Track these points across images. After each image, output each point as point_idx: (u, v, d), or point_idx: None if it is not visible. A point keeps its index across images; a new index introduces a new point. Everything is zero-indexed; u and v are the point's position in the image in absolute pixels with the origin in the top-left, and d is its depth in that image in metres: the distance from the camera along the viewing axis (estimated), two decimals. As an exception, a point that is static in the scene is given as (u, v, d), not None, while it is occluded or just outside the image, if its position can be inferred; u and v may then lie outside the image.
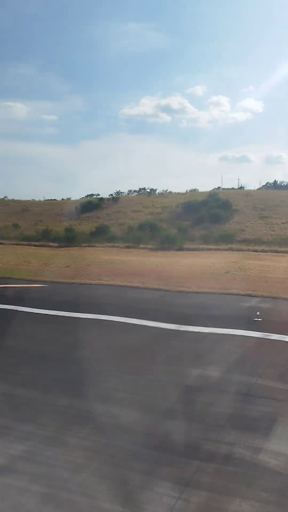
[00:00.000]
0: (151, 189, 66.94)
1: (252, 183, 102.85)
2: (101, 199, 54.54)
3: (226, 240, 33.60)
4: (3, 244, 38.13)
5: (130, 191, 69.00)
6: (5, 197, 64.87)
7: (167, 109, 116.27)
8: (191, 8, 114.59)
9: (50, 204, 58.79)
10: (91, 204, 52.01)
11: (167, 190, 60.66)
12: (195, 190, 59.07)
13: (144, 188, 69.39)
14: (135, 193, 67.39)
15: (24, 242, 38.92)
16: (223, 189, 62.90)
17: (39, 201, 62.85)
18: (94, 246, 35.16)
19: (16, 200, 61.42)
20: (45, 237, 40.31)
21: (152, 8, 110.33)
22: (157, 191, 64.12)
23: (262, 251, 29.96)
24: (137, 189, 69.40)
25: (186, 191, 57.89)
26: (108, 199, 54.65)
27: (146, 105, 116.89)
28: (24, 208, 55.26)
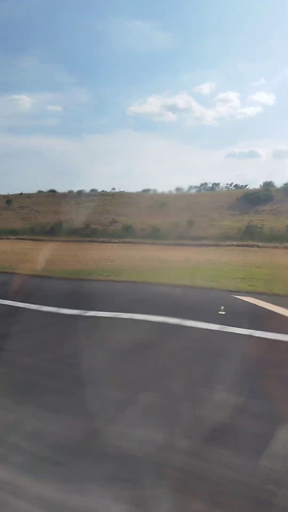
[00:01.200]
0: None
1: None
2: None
3: None
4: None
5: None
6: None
7: (173, 108, 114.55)
8: (197, 2, 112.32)
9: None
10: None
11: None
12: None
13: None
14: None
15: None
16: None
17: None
18: None
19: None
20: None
21: (158, 5, 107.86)
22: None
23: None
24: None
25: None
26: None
27: (152, 103, 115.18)
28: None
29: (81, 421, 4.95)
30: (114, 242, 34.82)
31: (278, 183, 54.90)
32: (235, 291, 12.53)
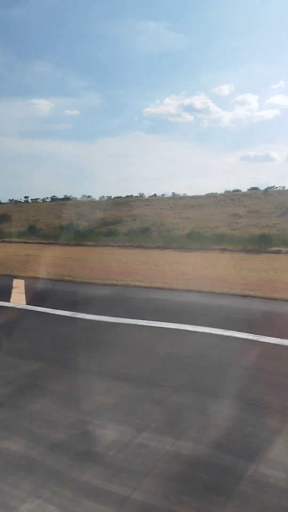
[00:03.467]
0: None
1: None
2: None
3: None
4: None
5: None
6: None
7: (190, 109, 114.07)
8: (217, 4, 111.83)
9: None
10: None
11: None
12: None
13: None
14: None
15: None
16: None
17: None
18: None
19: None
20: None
21: (173, 6, 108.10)
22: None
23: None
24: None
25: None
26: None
27: (170, 104, 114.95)
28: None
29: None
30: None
31: None
32: None
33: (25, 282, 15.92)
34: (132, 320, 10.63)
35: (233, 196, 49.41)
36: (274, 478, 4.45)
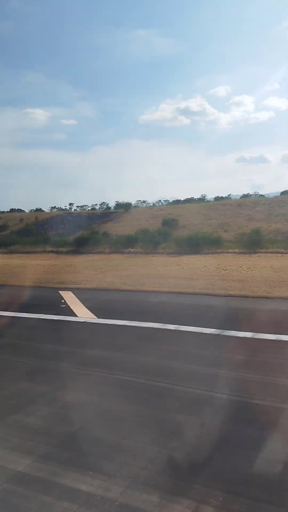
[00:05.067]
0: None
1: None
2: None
3: None
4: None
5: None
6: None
7: (186, 112, 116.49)
8: (208, 8, 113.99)
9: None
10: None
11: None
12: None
13: None
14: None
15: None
16: None
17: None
18: None
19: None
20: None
21: (165, 13, 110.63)
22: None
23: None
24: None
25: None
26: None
27: (165, 110, 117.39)
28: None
29: None
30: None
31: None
32: None
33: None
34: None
35: None
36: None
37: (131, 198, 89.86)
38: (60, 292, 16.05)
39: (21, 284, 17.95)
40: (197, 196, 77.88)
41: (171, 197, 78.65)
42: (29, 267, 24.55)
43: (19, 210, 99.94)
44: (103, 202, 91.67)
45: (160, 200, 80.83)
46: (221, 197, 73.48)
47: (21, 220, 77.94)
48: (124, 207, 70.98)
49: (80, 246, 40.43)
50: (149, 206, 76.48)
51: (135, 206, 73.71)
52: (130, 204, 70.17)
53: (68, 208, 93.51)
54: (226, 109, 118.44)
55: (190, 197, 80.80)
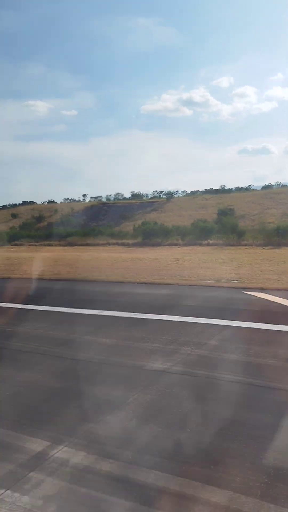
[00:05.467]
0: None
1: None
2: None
3: None
4: None
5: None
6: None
7: (188, 103, 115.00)
8: None
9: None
10: None
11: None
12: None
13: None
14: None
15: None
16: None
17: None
18: None
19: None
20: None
21: (172, 1, 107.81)
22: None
23: None
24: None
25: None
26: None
27: (167, 100, 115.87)
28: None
29: None
30: None
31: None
32: None
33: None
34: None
35: None
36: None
37: (144, 189, 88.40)
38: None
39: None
40: (215, 187, 75.22)
41: (173, 188, 79.64)
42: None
43: (32, 202, 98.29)
44: (118, 193, 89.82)
45: (178, 191, 78.95)
46: (268, 185, 70.43)
47: (55, 211, 75.70)
48: (166, 196, 68.26)
49: (147, 238, 38.10)
50: (189, 195, 73.59)
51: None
52: (172, 193, 67.47)
53: (81, 200, 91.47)
54: (229, 100, 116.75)
55: (208, 188, 78.47)
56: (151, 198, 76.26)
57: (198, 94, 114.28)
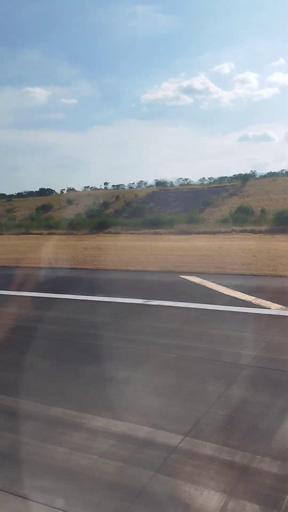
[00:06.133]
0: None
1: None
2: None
3: None
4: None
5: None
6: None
7: (189, 91, 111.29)
8: None
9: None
10: None
11: None
12: None
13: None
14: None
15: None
16: None
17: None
18: None
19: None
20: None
21: None
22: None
23: None
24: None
25: None
26: None
27: (167, 88, 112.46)
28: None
29: None
30: None
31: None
32: None
33: None
34: None
35: None
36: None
37: (163, 176, 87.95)
38: None
39: None
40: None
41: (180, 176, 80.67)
42: None
43: (49, 190, 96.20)
44: (141, 181, 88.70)
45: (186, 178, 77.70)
46: None
47: (117, 197, 72.04)
48: (242, 179, 64.02)
49: (280, 224, 34.21)
50: (267, 177, 69.24)
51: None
52: (248, 176, 63.20)
53: (102, 188, 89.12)
54: (230, 87, 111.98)
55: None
56: (219, 183, 72.33)
57: (199, 81, 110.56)
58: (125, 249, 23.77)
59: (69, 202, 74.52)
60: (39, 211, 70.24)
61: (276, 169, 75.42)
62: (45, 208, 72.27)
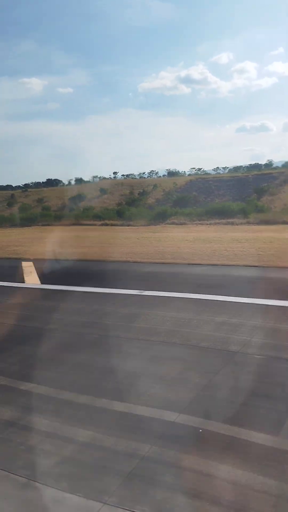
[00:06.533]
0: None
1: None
2: None
3: None
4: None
5: None
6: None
7: (187, 80, 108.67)
8: None
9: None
10: None
11: None
12: None
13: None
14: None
15: None
16: None
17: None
18: None
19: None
20: None
21: None
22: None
23: None
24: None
25: None
26: None
27: (165, 77, 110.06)
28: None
29: None
30: None
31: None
32: None
33: None
34: None
35: None
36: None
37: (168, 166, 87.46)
38: None
39: None
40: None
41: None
42: None
43: (56, 181, 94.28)
44: (152, 170, 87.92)
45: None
46: None
47: (154, 186, 69.20)
48: (257, 168, 61.15)
49: None
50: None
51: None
52: (269, 164, 60.38)
53: (112, 177, 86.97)
54: (228, 77, 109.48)
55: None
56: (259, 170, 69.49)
57: (197, 71, 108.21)
58: (248, 240, 21.44)
59: (103, 191, 71.67)
60: (74, 201, 67.39)
61: (273, 160, 73.74)
62: (79, 197, 69.48)
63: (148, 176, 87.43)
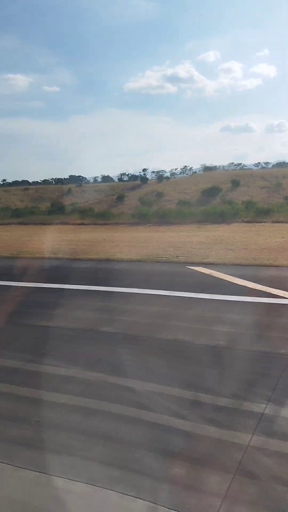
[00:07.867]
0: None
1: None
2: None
3: None
4: None
5: None
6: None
7: (173, 79, 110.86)
8: None
9: None
10: None
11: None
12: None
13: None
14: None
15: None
16: None
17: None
18: None
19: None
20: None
21: None
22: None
23: None
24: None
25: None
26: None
27: (151, 77, 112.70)
28: None
29: None
30: None
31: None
32: None
33: None
34: None
35: None
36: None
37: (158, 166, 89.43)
38: None
39: None
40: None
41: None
42: None
43: (81, 177, 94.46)
44: (145, 168, 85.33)
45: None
46: None
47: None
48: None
49: None
50: None
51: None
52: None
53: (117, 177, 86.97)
54: (215, 76, 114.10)
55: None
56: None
57: (184, 69, 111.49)
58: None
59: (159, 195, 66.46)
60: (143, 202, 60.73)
61: (255, 160, 75.19)
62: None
63: (180, 173, 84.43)
